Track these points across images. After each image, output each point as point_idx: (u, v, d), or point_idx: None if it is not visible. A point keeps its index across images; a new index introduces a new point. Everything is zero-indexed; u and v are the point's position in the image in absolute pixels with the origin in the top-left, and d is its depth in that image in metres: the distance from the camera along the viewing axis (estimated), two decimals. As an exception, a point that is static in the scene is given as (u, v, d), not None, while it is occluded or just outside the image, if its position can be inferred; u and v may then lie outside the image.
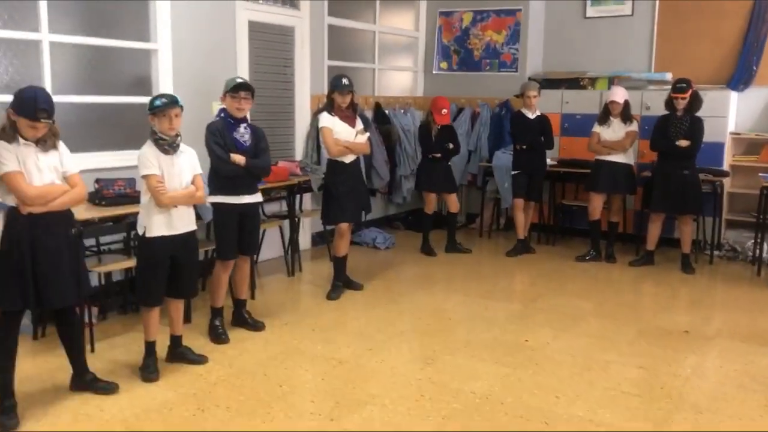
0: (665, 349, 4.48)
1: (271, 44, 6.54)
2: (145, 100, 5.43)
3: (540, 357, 4.32)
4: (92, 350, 4.24)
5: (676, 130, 6.15)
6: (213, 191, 4.47)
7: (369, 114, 7.47)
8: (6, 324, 3.36)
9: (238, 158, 4.40)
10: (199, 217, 4.29)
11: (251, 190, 4.58)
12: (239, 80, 4.45)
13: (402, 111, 7.99)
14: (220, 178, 4.44)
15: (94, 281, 4.52)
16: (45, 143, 3.33)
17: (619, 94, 6.48)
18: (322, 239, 7.02)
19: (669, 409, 3.62)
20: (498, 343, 4.55)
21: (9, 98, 3.34)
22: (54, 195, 3.31)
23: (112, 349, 4.37)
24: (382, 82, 8.23)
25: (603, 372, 4.09)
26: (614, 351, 4.43)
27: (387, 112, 7.80)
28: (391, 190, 7.92)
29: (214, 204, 4.48)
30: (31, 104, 3.21)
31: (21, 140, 3.26)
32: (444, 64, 8.55)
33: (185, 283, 4.01)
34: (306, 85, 6.88)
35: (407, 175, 7.80)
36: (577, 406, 3.63)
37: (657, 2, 7.59)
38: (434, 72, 8.62)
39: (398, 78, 8.60)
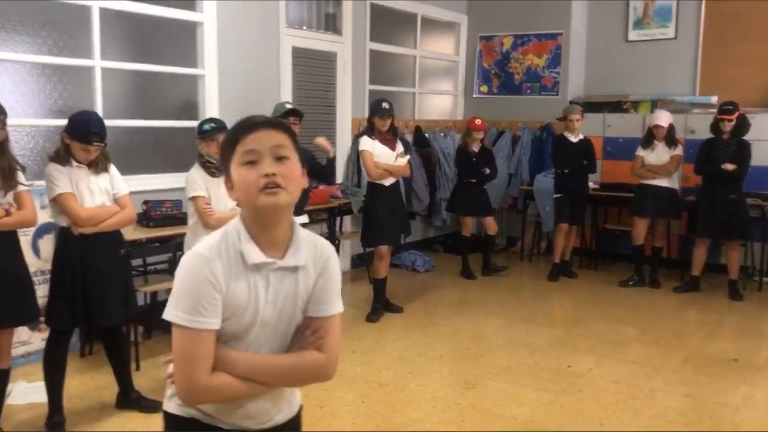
0: (713, 377, 4.38)
1: (313, 69, 6.65)
2: (192, 124, 5.61)
3: (583, 383, 4.26)
4: (137, 368, 4.31)
5: (722, 153, 6.05)
6: None
7: (409, 137, 7.51)
8: (56, 341, 3.46)
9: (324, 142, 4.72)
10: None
11: (299, 212, 4.64)
12: (288, 106, 4.55)
13: (442, 134, 8.02)
14: None
15: (140, 300, 4.60)
16: (97, 166, 3.43)
17: (663, 118, 6.41)
18: (361, 261, 7.05)
19: (718, 439, 3.53)
20: (540, 369, 4.50)
21: (63, 122, 3.46)
22: (105, 216, 3.41)
23: (157, 368, 4.43)
24: (423, 105, 8.29)
25: (648, 400, 4.01)
26: (659, 378, 4.34)
27: (427, 135, 7.84)
28: (431, 213, 7.93)
29: None
30: (84, 128, 3.32)
31: (74, 163, 3.37)
32: (484, 88, 8.58)
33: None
34: (347, 108, 6.96)
35: (447, 198, 7.81)
36: (622, 435, 3.56)
37: (702, 25, 7.51)
38: (474, 96, 8.64)
39: (438, 102, 8.65)
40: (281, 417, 1.68)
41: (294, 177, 1.54)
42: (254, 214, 1.55)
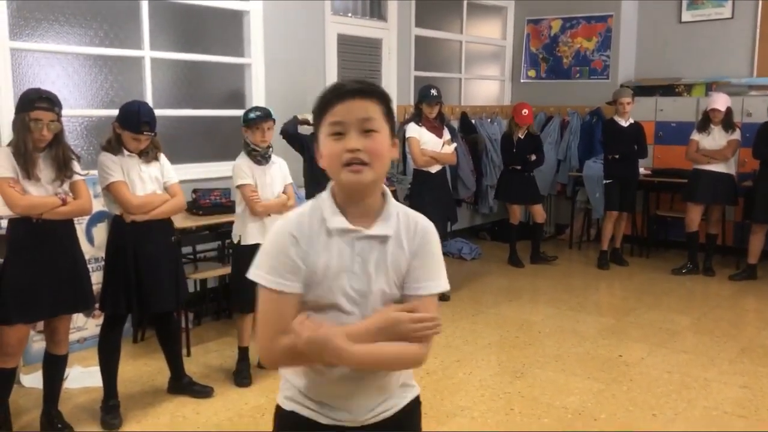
0: (771, 368, 4.25)
1: (359, 56, 6.63)
2: (239, 113, 5.66)
3: (634, 373, 4.17)
4: (188, 354, 4.39)
5: (781, 137, 5.84)
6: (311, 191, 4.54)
7: (455, 124, 7.44)
8: (110, 327, 3.53)
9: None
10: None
11: None
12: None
13: (489, 120, 7.93)
14: (320, 176, 4.48)
15: (190, 288, 4.67)
16: (147, 155, 3.48)
17: (720, 101, 6.21)
18: (408, 249, 7.01)
19: (777, 432, 3.42)
20: (590, 358, 4.42)
21: (115, 112, 3.51)
22: (156, 204, 3.46)
23: (207, 354, 4.51)
24: (469, 91, 8.20)
25: (703, 390, 3.91)
26: (714, 369, 4.23)
27: (473, 121, 7.75)
28: (478, 200, 7.85)
29: None
30: (135, 118, 3.37)
31: (125, 152, 3.42)
32: (532, 72, 8.44)
33: (277, 291, 4.09)
34: (393, 95, 6.93)
35: (494, 185, 7.71)
36: (676, 425, 3.48)
37: (760, 4, 7.23)
38: (522, 80, 8.51)
39: (485, 87, 8.55)
40: (388, 411, 1.58)
41: (381, 152, 1.47)
42: (340, 187, 1.51)
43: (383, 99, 1.50)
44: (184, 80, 5.43)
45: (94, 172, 3.54)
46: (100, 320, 4.45)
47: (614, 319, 5.25)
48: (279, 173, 4.04)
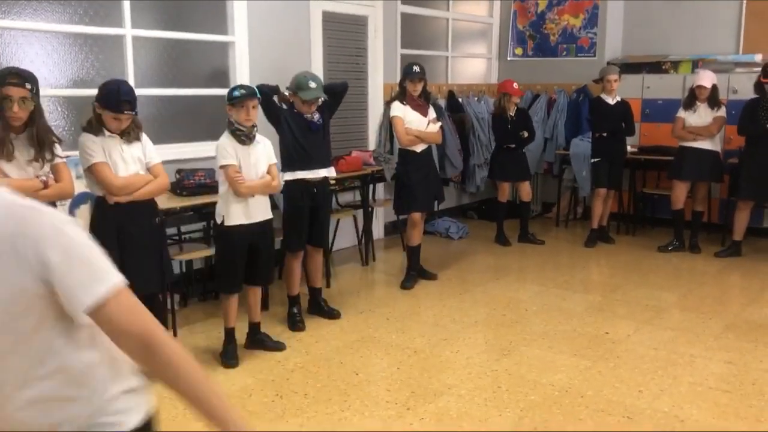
0: (755, 343, 4.27)
1: (344, 34, 6.56)
2: (223, 92, 5.59)
3: (621, 350, 4.19)
4: (174, 335, 4.36)
5: (766, 114, 5.84)
6: (285, 167, 4.47)
7: (442, 102, 7.40)
8: (94, 309, 3.49)
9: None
10: (275, 206, 4.35)
11: (325, 163, 4.57)
12: (311, 86, 4.37)
13: (476, 99, 7.88)
14: (293, 153, 4.45)
15: (175, 269, 4.64)
16: (129, 135, 3.44)
17: (706, 78, 6.20)
18: (395, 229, 7.02)
19: (762, 406, 3.45)
20: (576, 335, 4.44)
21: (95, 92, 3.45)
22: (138, 185, 3.42)
23: (193, 335, 4.48)
24: (456, 69, 8.14)
25: (688, 366, 3.94)
26: (700, 345, 4.25)
27: (460, 100, 7.71)
28: (465, 179, 7.83)
29: (287, 183, 4.46)
30: (115, 97, 3.31)
31: (106, 132, 3.37)
32: (519, 50, 8.39)
33: (263, 271, 4.07)
34: (379, 74, 6.87)
35: (481, 163, 7.70)
36: (662, 401, 3.50)
37: (746, -20, 7.21)
38: (509, 58, 8.46)
39: (472, 65, 8.49)
40: None
41: None
42: None
43: None
44: (166, 59, 5.34)
45: (75, 153, 3.49)
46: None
47: (601, 296, 5.27)
48: (263, 153, 4.00)
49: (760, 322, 4.64)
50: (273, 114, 4.43)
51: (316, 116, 4.51)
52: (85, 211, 4.49)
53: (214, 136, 5.41)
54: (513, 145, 6.61)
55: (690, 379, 3.76)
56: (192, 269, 5.16)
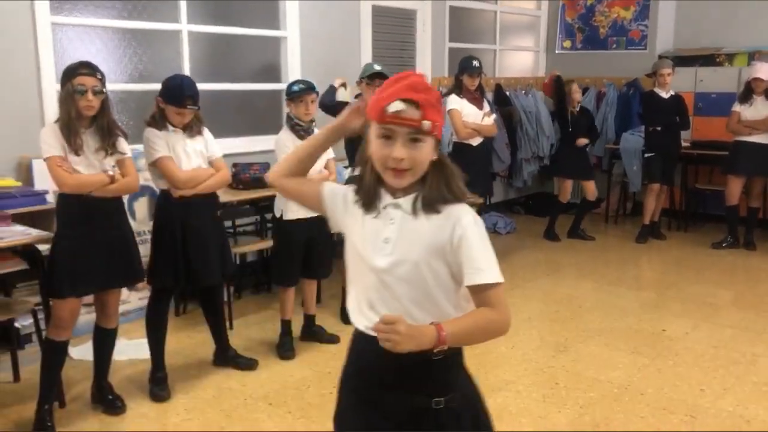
0: (820, 343, 4.18)
1: (393, 28, 6.56)
2: (276, 86, 5.67)
3: (680, 348, 4.13)
4: (231, 327, 4.41)
5: (828, 107, 5.70)
6: (350, 164, 4.48)
7: (489, 96, 7.34)
8: (158, 301, 3.56)
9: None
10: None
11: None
12: (377, 68, 4.39)
13: (523, 92, 7.81)
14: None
15: (231, 262, 4.69)
16: (191, 129, 3.47)
17: (764, 71, 6.05)
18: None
19: (829, 407, 3.37)
20: (633, 332, 4.38)
21: (151, 87, 3.50)
22: (202, 178, 3.46)
23: (248, 327, 4.54)
24: (503, 63, 8.08)
25: (751, 366, 3.86)
26: (762, 344, 4.17)
27: (508, 93, 7.64)
28: (512, 174, 7.78)
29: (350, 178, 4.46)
30: (178, 92, 3.36)
31: (170, 127, 3.42)
32: (567, 43, 8.29)
33: (320, 265, 4.10)
34: (428, 67, 6.85)
35: (528, 158, 7.63)
36: (725, 401, 3.44)
37: (806, -31, 7.01)
38: (557, 51, 8.37)
39: (519, 58, 8.42)
40: None
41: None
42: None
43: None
44: (218, 54, 5.41)
45: (135, 146, 3.55)
46: (143, 294, 4.55)
47: (655, 293, 5.19)
48: (321, 148, 4.01)
49: (823, 322, 4.53)
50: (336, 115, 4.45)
51: None
52: (143, 203, 4.59)
53: (266, 130, 5.51)
54: (586, 141, 6.56)
55: (754, 379, 3.69)
56: (246, 262, 5.22)
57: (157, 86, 3.48)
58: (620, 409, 3.38)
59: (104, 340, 3.40)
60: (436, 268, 1.59)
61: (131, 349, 4.09)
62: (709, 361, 3.93)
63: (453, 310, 1.63)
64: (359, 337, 1.70)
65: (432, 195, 1.61)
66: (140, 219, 4.57)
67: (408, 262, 1.60)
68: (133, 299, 4.60)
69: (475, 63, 5.16)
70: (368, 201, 1.66)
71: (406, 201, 1.62)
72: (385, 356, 1.54)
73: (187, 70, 4.94)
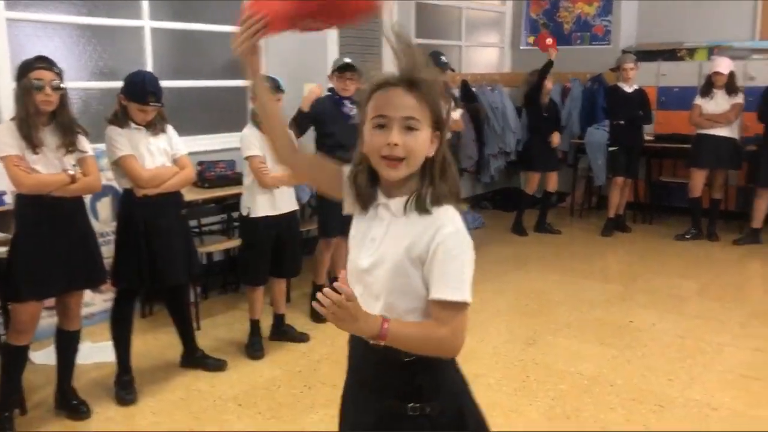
0: (782, 331, 4.26)
1: (359, 24, 6.51)
2: (241, 83, 5.58)
3: (647, 338, 4.18)
4: (198, 328, 4.35)
5: (786, 101, 5.82)
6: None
7: (456, 92, 7.36)
8: (123, 302, 3.49)
9: None
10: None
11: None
12: (347, 60, 4.43)
13: (489, 88, 7.82)
14: (324, 152, 4.40)
15: (197, 261, 4.62)
16: (155, 127, 3.41)
17: (723, 65, 6.16)
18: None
19: (793, 394, 3.43)
20: (601, 324, 4.42)
21: (112, 84, 3.43)
22: (166, 177, 3.40)
23: (216, 328, 4.47)
24: (469, 59, 8.10)
25: (717, 355, 3.92)
26: (726, 333, 4.23)
27: (474, 89, 7.66)
28: (479, 170, 7.80)
29: None
30: (140, 88, 3.29)
31: (132, 124, 3.35)
32: (532, 39, 8.33)
33: (289, 263, 4.05)
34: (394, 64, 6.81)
35: (495, 153, 7.65)
36: (693, 390, 3.49)
37: (762, -35, 7.15)
38: (521, 47, 8.41)
39: (485, 54, 8.45)
40: None
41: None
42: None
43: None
44: (183, 50, 5.32)
45: (98, 145, 3.46)
46: (108, 295, 4.44)
47: (622, 285, 5.25)
48: (288, 144, 3.97)
49: (784, 310, 4.62)
50: (307, 121, 4.43)
51: (354, 110, 4.47)
52: (105, 203, 4.50)
53: (231, 127, 5.43)
54: (555, 139, 6.64)
55: (720, 368, 3.75)
56: (212, 261, 5.15)
57: (120, 84, 3.41)
58: (590, 400, 3.41)
59: (67, 343, 3.32)
60: (411, 273, 1.53)
61: (96, 352, 4.01)
62: (676, 351, 3.98)
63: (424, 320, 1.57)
64: (352, 338, 1.65)
65: (429, 194, 1.54)
66: (103, 219, 4.47)
67: (387, 262, 1.54)
68: (98, 301, 4.50)
69: (443, 59, 5.16)
70: (361, 201, 1.61)
71: (396, 203, 1.56)
72: (364, 354, 1.51)
73: (150, 67, 4.85)
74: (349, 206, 1.67)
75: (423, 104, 1.50)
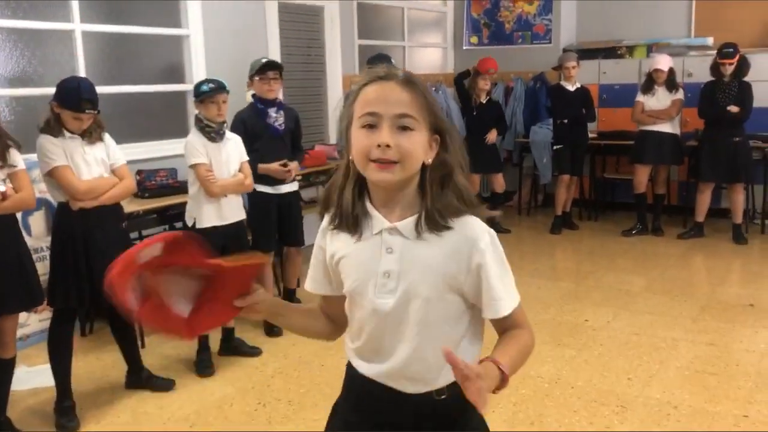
0: (732, 324, 4.31)
1: (301, 25, 6.38)
2: (179, 87, 5.38)
3: (603, 337, 4.17)
4: (143, 346, 4.13)
5: (724, 96, 5.94)
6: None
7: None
8: (61, 322, 3.27)
9: (273, 169, 4.20)
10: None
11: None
12: (265, 60, 4.26)
13: (433, 88, 7.77)
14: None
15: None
16: (91, 135, 3.21)
17: (663, 62, 6.26)
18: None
19: (749, 387, 3.45)
20: (557, 324, 4.40)
21: (45, 91, 3.21)
22: (104, 188, 3.20)
23: (161, 344, 4.26)
24: (413, 59, 8.03)
25: (672, 351, 3.93)
26: (679, 328, 4.26)
27: (418, 90, 7.59)
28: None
29: (250, 194, 4.28)
30: (75, 95, 3.08)
31: (66, 133, 3.14)
32: (474, 39, 8.33)
33: (237, 275, 3.88)
34: (337, 65, 6.70)
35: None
36: (652, 388, 3.48)
37: (695, -36, 7.30)
38: (464, 47, 8.40)
39: (428, 55, 8.40)
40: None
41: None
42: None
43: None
44: (117, 54, 5.07)
45: (28, 155, 3.24)
46: (44, 315, 4.20)
47: (574, 283, 5.25)
48: (235, 150, 3.81)
49: (732, 303, 4.68)
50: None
51: (280, 119, 4.30)
52: (38, 218, 4.24)
53: (171, 134, 5.23)
54: (489, 138, 6.56)
55: (677, 364, 3.76)
56: (155, 274, 4.92)
57: (49, 90, 3.20)
58: (552, 404, 3.36)
59: (1, 372, 3.08)
60: (450, 300, 1.38)
61: (33, 376, 3.77)
62: (633, 348, 3.98)
63: (468, 344, 1.45)
64: (361, 379, 1.47)
65: (437, 208, 1.35)
66: (36, 235, 4.21)
67: (418, 298, 1.36)
68: (33, 321, 4.24)
69: (393, 61, 5.06)
70: (349, 222, 1.40)
71: (405, 225, 1.36)
72: (395, 400, 1.40)
73: (82, 72, 4.60)
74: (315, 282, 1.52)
75: (419, 102, 1.33)
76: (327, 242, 1.46)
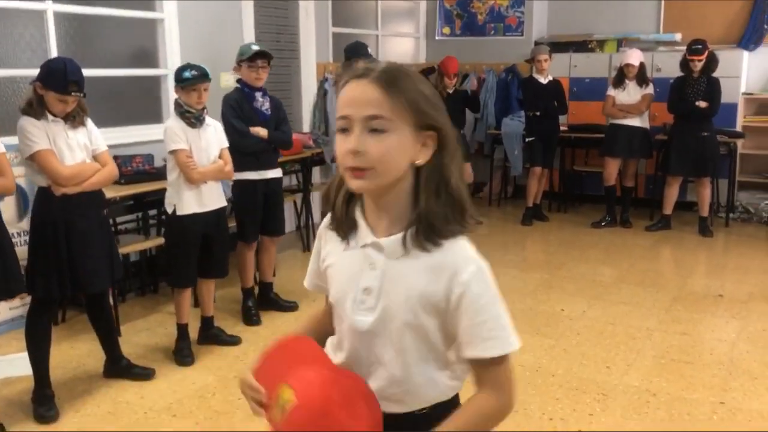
0: (704, 314, 4.42)
1: (276, 11, 6.31)
2: (153, 72, 5.28)
3: (580, 326, 4.24)
4: (119, 334, 4.07)
5: (693, 92, 6.07)
6: (234, 168, 4.24)
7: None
8: (41, 311, 3.19)
9: (260, 131, 4.20)
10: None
11: (273, 165, 4.38)
12: (256, 47, 4.20)
13: (406, 79, 7.77)
14: (240, 153, 4.19)
15: (115, 263, 4.33)
16: (74, 119, 3.13)
17: (634, 57, 6.36)
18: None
19: (723, 375, 3.55)
20: (534, 314, 4.46)
21: (14, 72, 3.12)
22: (87, 174, 3.12)
23: (138, 333, 4.21)
24: (386, 49, 8.02)
25: (648, 340, 4.02)
26: (653, 318, 4.36)
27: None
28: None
29: (235, 182, 4.25)
30: (61, 76, 2.99)
31: (49, 116, 3.05)
32: (446, 30, 8.35)
33: (218, 263, 3.84)
34: (312, 53, 6.65)
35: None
36: (631, 376, 3.55)
37: (665, -39, 7.42)
38: (437, 38, 8.41)
39: (401, 44, 8.39)
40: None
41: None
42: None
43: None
44: (89, 37, 4.94)
45: (6, 138, 3.15)
46: (14, 303, 4.10)
47: (548, 274, 5.32)
48: (215, 136, 3.76)
49: (702, 293, 4.81)
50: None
51: (266, 104, 4.26)
52: (9, 202, 4.11)
53: (144, 119, 5.14)
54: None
55: (652, 353, 3.84)
56: (128, 262, 4.84)
57: (19, 72, 3.10)
58: (535, 392, 3.40)
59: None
60: (426, 324, 1.27)
61: (6, 366, 3.67)
62: (609, 337, 4.06)
63: (447, 378, 1.34)
64: None
65: (430, 222, 1.24)
66: (8, 220, 4.04)
67: (395, 319, 1.27)
68: (3, 309, 4.13)
69: (369, 50, 5.04)
70: (340, 230, 1.34)
71: (390, 242, 1.27)
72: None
73: (54, 54, 4.47)
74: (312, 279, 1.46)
75: (395, 100, 1.21)
76: (323, 242, 1.42)
